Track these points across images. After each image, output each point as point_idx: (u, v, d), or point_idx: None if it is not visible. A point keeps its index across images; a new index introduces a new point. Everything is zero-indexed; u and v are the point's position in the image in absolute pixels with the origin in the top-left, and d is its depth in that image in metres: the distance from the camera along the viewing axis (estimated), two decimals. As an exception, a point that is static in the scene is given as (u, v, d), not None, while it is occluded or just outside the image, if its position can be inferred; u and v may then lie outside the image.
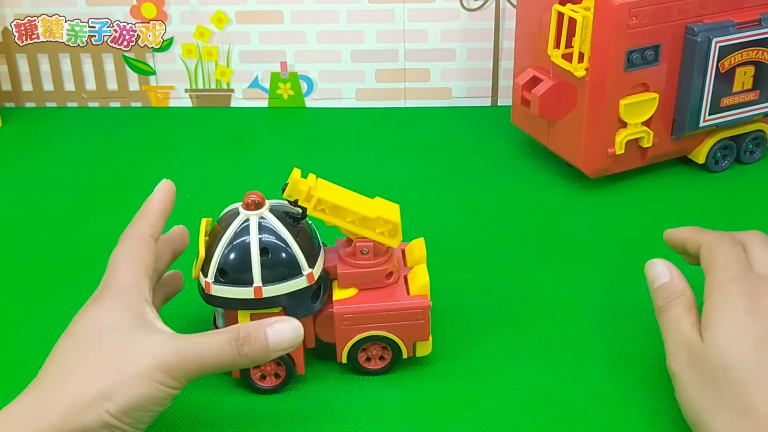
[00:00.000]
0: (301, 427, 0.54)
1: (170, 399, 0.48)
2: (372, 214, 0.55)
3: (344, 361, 0.57)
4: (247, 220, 0.53)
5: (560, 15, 0.73)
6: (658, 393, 0.55)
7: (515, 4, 0.89)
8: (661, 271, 0.54)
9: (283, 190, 0.54)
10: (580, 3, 0.73)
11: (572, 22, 0.73)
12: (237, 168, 0.84)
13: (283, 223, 0.53)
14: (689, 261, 0.57)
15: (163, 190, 0.56)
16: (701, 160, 0.79)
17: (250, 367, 0.55)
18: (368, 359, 0.57)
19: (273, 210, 0.54)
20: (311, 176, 0.55)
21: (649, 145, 0.76)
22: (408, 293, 0.56)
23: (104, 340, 0.48)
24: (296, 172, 0.54)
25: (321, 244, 0.56)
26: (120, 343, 0.48)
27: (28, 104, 0.97)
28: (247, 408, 0.55)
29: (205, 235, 0.55)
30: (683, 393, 0.49)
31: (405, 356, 0.57)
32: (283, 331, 0.49)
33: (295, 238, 0.53)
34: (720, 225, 0.72)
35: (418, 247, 0.59)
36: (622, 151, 0.75)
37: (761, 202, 0.76)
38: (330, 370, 0.58)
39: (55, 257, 0.71)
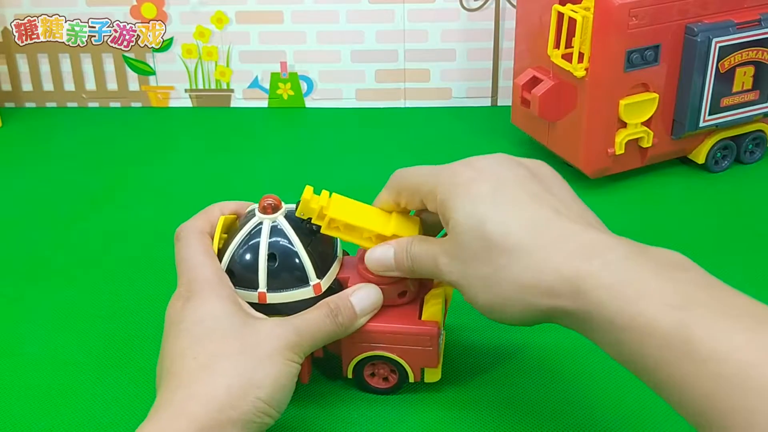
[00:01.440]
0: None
1: (296, 377, 0.49)
2: (387, 232, 0.53)
3: (349, 376, 0.56)
4: (261, 223, 0.53)
5: (560, 15, 0.73)
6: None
7: (515, 4, 0.89)
8: (381, 252, 0.53)
9: (297, 207, 0.53)
10: (580, 3, 0.73)
11: (572, 22, 0.73)
12: (237, 168, 0.84)
13: (296, 230, 0.52)
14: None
15: (236, 203, 0.57)
16: (701, 160, 0.79)
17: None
18: (373, 375, 0.56)
19: (288, 215, 0.53)
20: (324, 193, 0.53)
21: (649, 145, 0.76)
22: (420, 317, 0.54)
23: (224, 328, 0.49)
24: (308, 191, 0.52)
25: (339, 255, 0.55)
26: (240, 330, 0.49)
27: (28, 104, 0.97)
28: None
29: (224, 233, 0.55)
30: (467, 292, 0.48)
31: (412, 380, 0.55)
32: (364, 297, 0.53)
33: (306, 246, 0.52)
34: (720, 225, 0.73)
35: None
36: (622, 151, 0.75)
37: (761, 202, 0.76)
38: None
39: (55, 257, 0.71)
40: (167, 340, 0.49)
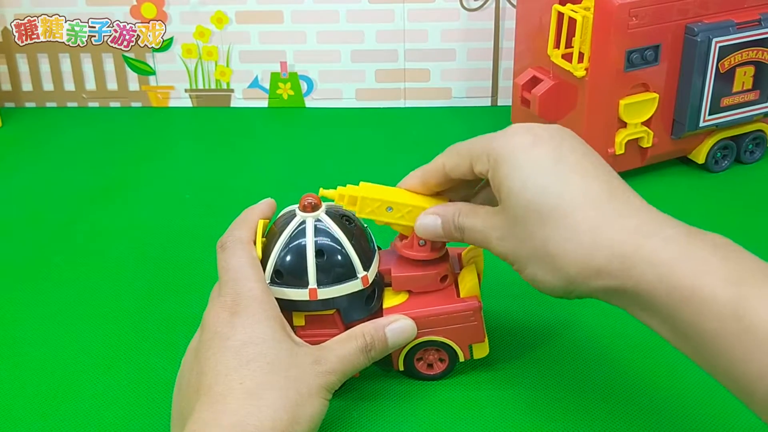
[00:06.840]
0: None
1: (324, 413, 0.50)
2: (425, 204, 0.54)
3: (401, 368, 0.56)
4: (304, 222, 0.53)
5: (560, 15, 0.73)
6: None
7: (515, 4, 0.89)
8: (431, 221, 0.53)
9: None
10: (580, 3, 0.73)
11: (572, 22, 0.73)
12: (237, 168, 0.84)
13: (338, 226, 0.53)
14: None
15: (266, 203, 0.57)
16: (701, 160, 0.79)
17: None
18: (430, 365, 0.56)
19: (329, 212, 0.54)
20: (350, 186, 0.55)
21: (649, 145, 0.76)
22: (458, 295, 0.55)
23: (272, 356, 0.48)
24: (332, 194, 0.54)
25: (376, 248, 0.56)
26: (286, 360, 0.48)
27: (28, 104, 0.97)
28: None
29: (262, 237, 0.55)
30: (516, 264, 0.48)
31: (462, 359, 0.56)
32: (399, 331, 0.53)
33: (350, 240, 0.53)
34: (720, 225, 0.72)
35: (475, 253, 0.58)
36: (622, 151, 0.75)
37: (761, 202, 0.76)
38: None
39: (55, 257, 0.71)
40: (210, 350, 0.48)
